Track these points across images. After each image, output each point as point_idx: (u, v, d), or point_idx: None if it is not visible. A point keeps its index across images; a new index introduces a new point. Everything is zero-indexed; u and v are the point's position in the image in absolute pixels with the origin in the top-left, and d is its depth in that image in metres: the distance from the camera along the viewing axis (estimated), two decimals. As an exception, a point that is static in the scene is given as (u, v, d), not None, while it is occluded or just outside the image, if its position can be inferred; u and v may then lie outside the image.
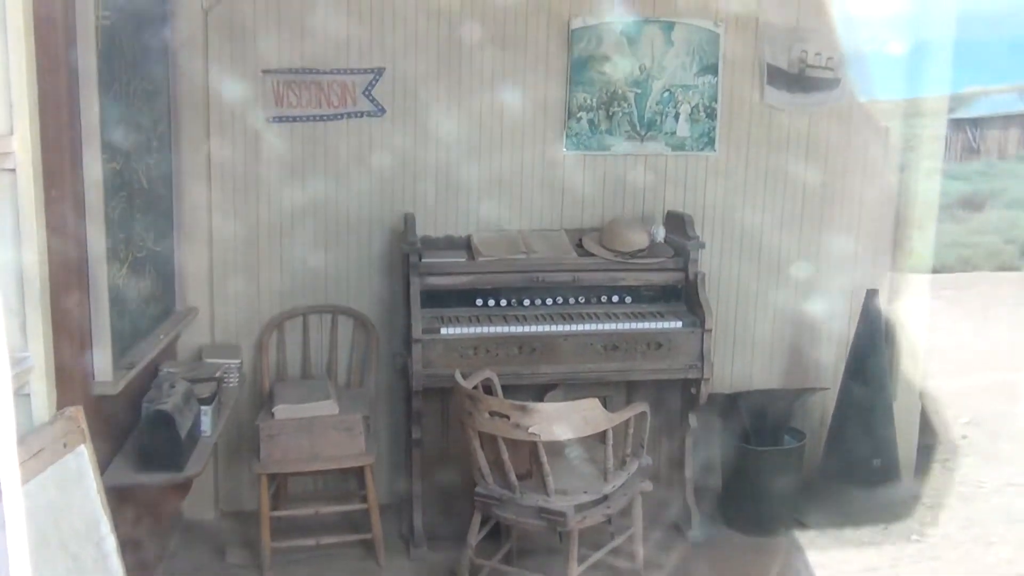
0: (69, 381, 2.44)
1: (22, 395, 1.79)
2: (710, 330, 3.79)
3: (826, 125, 4.34)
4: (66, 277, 2.51)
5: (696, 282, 3.88)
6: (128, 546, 2.26)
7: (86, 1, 2.67)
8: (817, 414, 4.39)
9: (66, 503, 1.80)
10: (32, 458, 1.67)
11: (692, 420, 3.97)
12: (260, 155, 3.99)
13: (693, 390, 3.87)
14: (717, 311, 4.10)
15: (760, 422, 4.08)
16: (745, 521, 4.06)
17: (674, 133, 4.24)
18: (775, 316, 4.43)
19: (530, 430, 3.00)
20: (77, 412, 1.91)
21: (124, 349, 3.03)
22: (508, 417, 3.03)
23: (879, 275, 4.41)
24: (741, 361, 4.42)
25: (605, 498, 3.22)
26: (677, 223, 4.04)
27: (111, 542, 2.01)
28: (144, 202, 3.33)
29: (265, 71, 3.93)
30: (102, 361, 2.80)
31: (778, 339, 4.45)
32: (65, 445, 1.83)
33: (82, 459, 1.91)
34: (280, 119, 3.97)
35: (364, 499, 3.67)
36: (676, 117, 4.24)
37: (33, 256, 1.78)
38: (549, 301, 3.90)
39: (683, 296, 3.97)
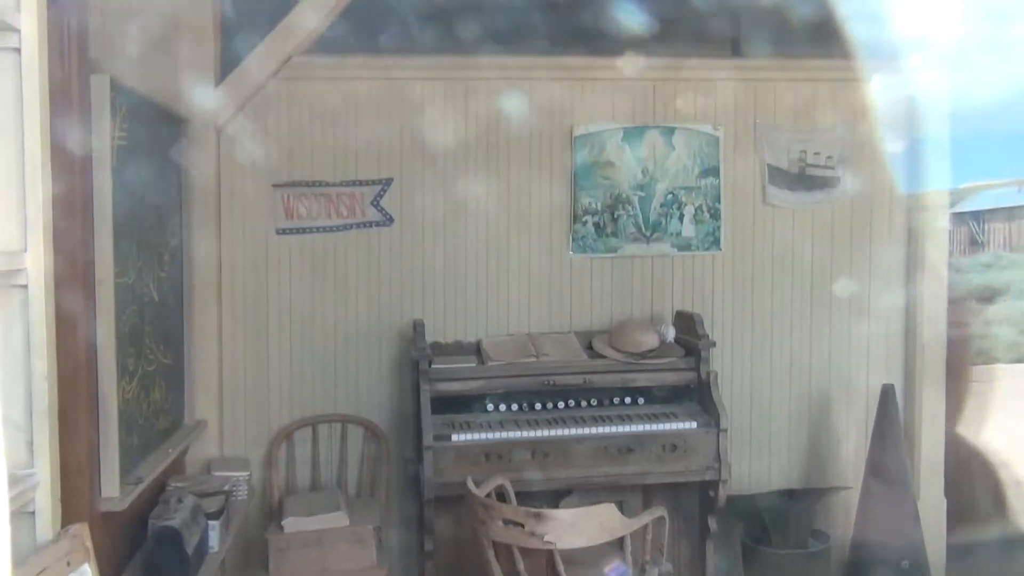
0: (75, 498, 2.40)
1: (26, 513, 1.76)
2: (726, 430, 3.73)
3: (829, 222, 4.38)
4: (75, 392, 2.50)
5: (709, 381, 3.84)
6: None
7: (103, 120, 2.76)
8: (841, 514, 4.27)
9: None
10: (34, 579, 1.62)
11: (712, 523, 3.86)
12: (270, 266, 4.03)
13: (711, 492, 3.79)
14: (732, 410, 4.05)
15: (783, 524, 3.97)
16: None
17: (679, 234, 4.29)
18: (791, 414, 4.37)
19: (545, 538, 2.92)
20: (82, 530, 1.87)
21: (132, 464, 2.99)
22: (523, 525, 2.96)
23: (894, 369, 4.37)
24: (759, 461, 4.33)
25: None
26: (687, 322, 4.04)
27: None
28: (155, 315, 3.35)
29: (275, 184, 4.01)
30: (109, 477, 2.76)
31: (796, 437, 4.37)
32: (69, 564, 1.79)
33: (86, 579, 1.87)
34: (290, 231, 4.04)
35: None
36: (681, 218, 4.29)
37: (42, 372, 1.78)
38: (561, 404, 3.86)
39: (696, 396, 3.92)
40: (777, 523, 3.96)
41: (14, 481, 1.70)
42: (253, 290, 4.03)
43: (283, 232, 4.04)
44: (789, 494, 4.10)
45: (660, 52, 4.24)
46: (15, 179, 1.74)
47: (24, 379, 1.75)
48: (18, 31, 1.68)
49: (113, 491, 2.76)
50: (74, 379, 2.51)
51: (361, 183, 4.08)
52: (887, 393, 4.10)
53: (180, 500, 3.09)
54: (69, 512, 2.02)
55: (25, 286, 1.75)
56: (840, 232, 4.39)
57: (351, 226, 4.08)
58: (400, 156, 4.10)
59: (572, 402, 3.87)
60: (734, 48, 5.18)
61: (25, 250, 1.75)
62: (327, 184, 4.05)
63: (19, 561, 1.63)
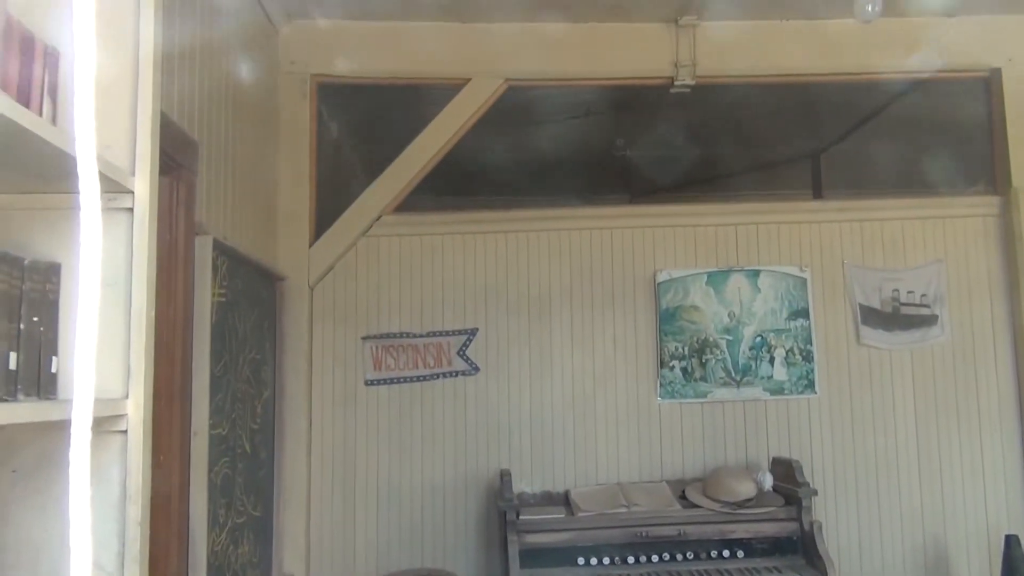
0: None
1: (113, 664, 1.74)
2: (834, 585, 3.48)
3: (931, 362, 4.22)
4: (166, 541, 2.52)
5: (813, 532, 3.62)
6: None
7: (205, 277, 2.91)
8: None
9: None
10: None
11: None
12: (358, 417, 4.08)
13: None
14: (839, 562, 3.79)
15: None
16: None
17: (771, 377, 4.18)
18: (906, 566, 4.06)
19: None
20: None
21: (218, 618, 2.96)
22: None
23: (1015, 517, 4.05)
24: None
25: None
26: (785, 469, 3.86)
27: None
28: (246, 467, 3.40)
29: (364, 337, 4.11)
30: (195, 629, 2.73)
31: (912, 594, 4.04)
32: None
33: None
34: (378, 382, 4.10)
35: None
36: (771, 361, 4.19)
37: (135, 518, 1.80)
38: (655, 558, 3.68)
39: (800, 548, 3.70)
40: None
41: (102, 629, 1.69)
42: (342, 441, 4.06)
43: (371, 383, 4.10)
44: (911, 659, 3.75)
45: (741, 197, 4.29)
46: (121, 329, 1.83)
47: (118, 524, 1.78)
48: (132, 192, 1.81)
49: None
50: (166, 528, 2.54)
51: (447, 333, 4.15)
52: (1011, 544, 3.79)
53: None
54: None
55: (124, 431, 1.80)
56: (943, 371, 4.21)
57: (438, 376, 4.12)
58: (485, 306, 4.17)
59: (667, 555, 3.69)
60: (815, 191, 5.21)
61: (126, 397, 1.81)
62: (414, 335, 4.13)
63: None
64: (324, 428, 4.05)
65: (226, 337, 3.17)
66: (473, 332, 4.15)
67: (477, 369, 4.13)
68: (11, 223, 1.79)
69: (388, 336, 4.12)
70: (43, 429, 1.79)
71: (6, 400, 1.42)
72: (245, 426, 3.41)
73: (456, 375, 4.13)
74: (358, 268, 4.16)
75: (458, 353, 4.14)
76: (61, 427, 1.73)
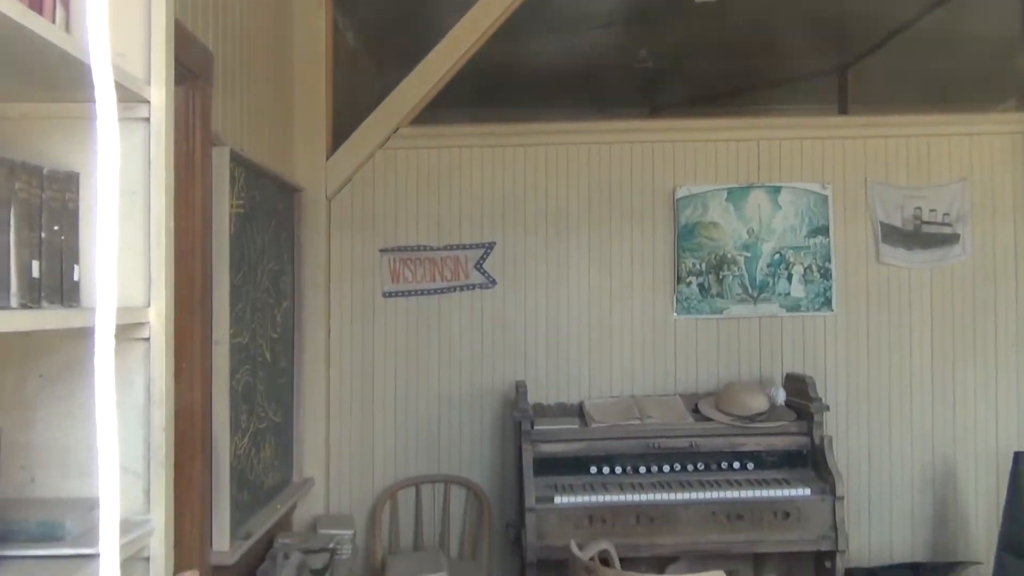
0: (187, 549, 2.47)
1: (141, 558, 1.82)
2: (842, 497, 3.55)
3: (950, 281, 4.20)
4: (190, 446, 2.59)
5: (823, 446, 3.68)
6: None
7: (223, 188, 2.92)
8: (972, 593, 3.98)
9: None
10: (146, 623, 1.67)
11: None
12: (376, 328, 4.13)
13: (828, 563, 3.59)
14: (848, 477, 3.86)
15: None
16: None
17: (788, 294, 4.18)
18: (914, 482, 4.13)
19: (650, 606, 2.82)
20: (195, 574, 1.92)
21: (241, 519, 3.07)
22: (627, 591, 2.87)
23: (1026, 436, 4.09)
24: (879, 532, 4.10)
25: None
26: (798, 385, 3.90)
27: None
28: (267, 375, 3.47)
29: (382, 250, 4.13)
30: (220, 530, 2.83)
31: (919, 507, 4.12)
32: (179, 612, 1.83)
33: (195, 628, 1.91)
34: (395, 294, 4.14)
35: None
36: (789, 278, 4.19)
37: (160, 423, 1.86)
38: (666, 468, 3.77)
39: (809, 461, 3.76)
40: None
41: (131, 526, 1.76)
42: (360, 352, 4.12)
43: (389, 295, 4.14)
44: (913, 568, 3.85)
45: (765, 111, 4.22)
46: (140, 239, 1.85)
47: (143, 429, 1.83)
48: (148, 102, 1.80)
49: (223, 545, 2.84)
50: (190, 433, 2.61)
51: (465, 247, 4.16)
52: (1020, 461, 3.83)
53: (287, 556, 3.14)
54: (181, 563, 2.07)
55: (147, 339, 1.84)
56: (962, 291, 4.19)
57: (455, 289, 4.15)
58: (503, 220, 4.17)
59: (678, 466, 3.77)
60: (841, 107, 5.11)
61: (148, 305, 1.85)
62: (431, 248, 4.15)
63: (133, 606, 1.68)
64: (342, 338, 4.11)
65: (244, 248, 3.20)
66: (490, 246, 4.16)
67: (494, 283, 4.15)
68: (29, 132, 1.79)
69: (405, 249, 4.14)
70: (67, 336, 1.83)
71: (30, 307, 1.45)
72: (265, 335, 3.47)
73: (473, 288, 4.16)
74: (375, 181, 4.15)
75: (475, 267, 4.16)
76: (85, 334, 1.78)
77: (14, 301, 1.48)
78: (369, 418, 4.11)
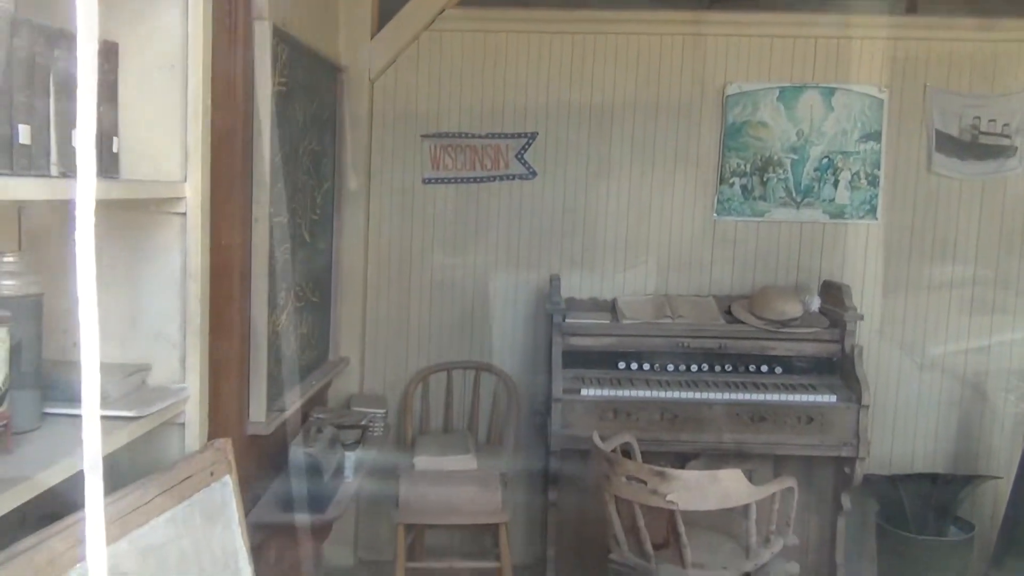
0: (223, 418, 2.58)
1: (177, 424, 1.90)
2: (867, 406, 3.57)
3: (1002, 195, 4.08)
4: (228, 319, 2.67)
5: (853, 355, 3.68)
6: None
7: (264, 68, 2.90)
8: (988, 505, 4.02)
9: (209, 530, 1.89)
10: (181, 483, 1.76)
11: (845, 501, 3.73)
12: (415, 215, 4.15)
13: (847, 469, 3.65)
14: (876, 387, 3.87)
15: (923, 509, 3.78)
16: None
17: (832, 200, 4.10)
18: (942, 397, 4.13)
19: (668, 498, 2.90)
20: (226, 443, 2.01)
21: (277, 392, 3.18)
22: (646, 483, 2.95)
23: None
24: (902, 442, 4.13)
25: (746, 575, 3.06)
26: (834, 293, 3.87)
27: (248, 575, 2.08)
28: (305, 255, 3.53)
29: (423, 136, 4.11)
30: (256, 402, 2.95)
31: (944, 421, 4.13)
32: (212, 474, 1.93)
33: (227, 489, 2.01)
34: (435, 180, 4.13)
35: (498, 557, 3.64)
36: (835, 184, 4.10)
37: (196, 294, 1.91)
38: (694, 368, 3.80)
39: (838, 369, 3.77)
40: (917, 507, 3.78)
41: (168, 393, 1.84)
42: (398, 236, 4.16)
43: (429, 182, 4.14)
44: (932, 479, 3.90)
45: (826, 7, 4.04)
46: (178, 113, 1.86)
47: (179, 300, 1.89)
48: (186, -27, 1.78)
49: (259, 416, 2.95)
50: (228, 307, 2.69)
51: (506, 136, 4.12)
52: (1053, 381, 3.81)
53: (320, 430, 3.27)
54: (217, 430, 2.17)
55: (183, 214, 1.87)
56: (1012, 205, 4.07)
57: (494, 178, 4.14)
58: (547, 110, 4.10)
59: (706, 366, 3.80)
60: (909, 5, 4.86)
61: (185, 180, 1.87)
62: (473, 136, 4.11)
63: (168, 466, 1.77)
64: (381, 222, 4.14)
65: (286, 127, 3.20)
66: (532, 136, 4.11)
67: (534, 174, 4.13)
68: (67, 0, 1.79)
69: (447, 135, 4.11)
70: (105, 207, 1.88)
71: (70, 176, 1.48)
72: (305, 216, 3.51)
73: (513, 178, 4.14)
74: (419, 63, 4.09)
75: (516, 156, 4.13)
76: (123, 206, 1.81)
77: (54, 170, 1.51)
78: (405, 302, 4.18)
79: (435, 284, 4.18)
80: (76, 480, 1.37)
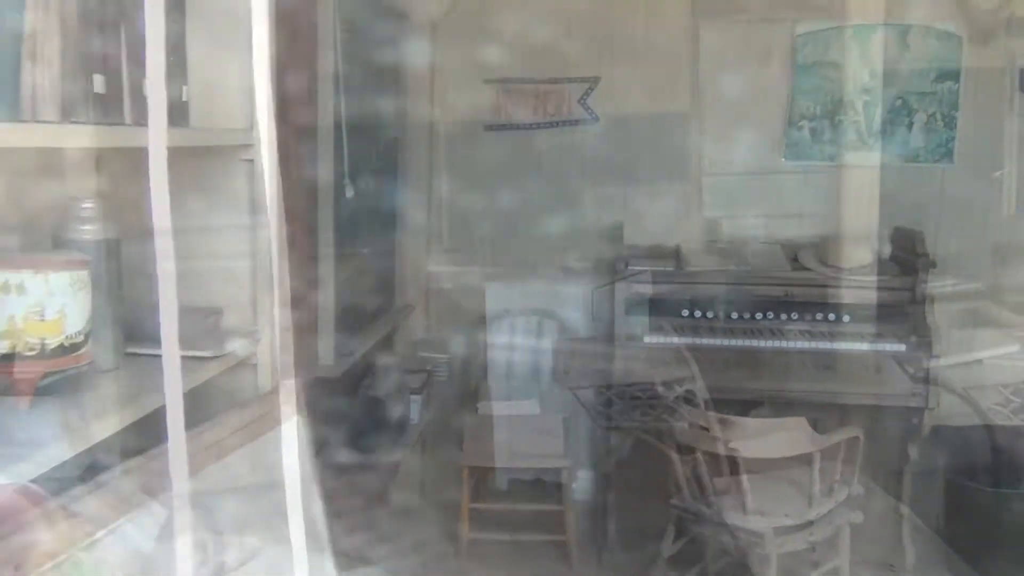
0: (294, 359, 2.65)
1: (249, 365, 1.97)
2: (938, 356, 3.49)
3: (1089, 136, 3.89)
4: (297, 265, 2.73)
5: (924, 304, 3.59)
6: (333, 522, 2.41)
7: (327, 16, 2.91)
8: (1064, 458, 3.92)
9: (279, 470, 1.96)
10: (252, 423, 1.83)
11: (912, 452, 3.67)
12: (477, 161, 4.15)
13: (914, 420, 3.58)
14: (947, 337, 3.77)
15: (994, 461, 3.70)
16: (968, 569, 3.70)
17: (907, 143, 3.97)
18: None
19: (731, 445, 2.90)
20: (296, 385, 2.07)
21: (345, 337, 3.25)
22: (708, 430, 2.95)
23: None
24: (973, 394, 4.03)
25: (809, 524, 3.05)
26: (906, 240, 3.77)
27: (319, 513, 2.16)
28: (372, 203, 3.57)
29: (486, 80, 4.09)
30: (325, 346, 3.02)
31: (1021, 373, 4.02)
32: (282, 415, 2.00)
33: (297, 431, 2.08)
34: (498, 127, 4.12)
35: (560, 500, 3.70)
36: (909, 126, 3.96)
37: (265, 240, 1.96)
38: (759, 315, 3.76)
39: (907, 318, 3.69)
40: (988, 459, 3.70)
41: (240, 335, 1.90)
42: (461, 184, 4.17)
43: (491, 128, 4.13)
44: (1004, 430, 3.80)
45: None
46: (245, 60, 1.88)
47: (250, 245, 1.94)
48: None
49: (328, 359, 3.03)
50: (295, 252, 2.75)
51: (569, 80, 4.07)
52: None
53: (387, 374, 3.34)
54: (287, 372, 2.24)
55: (251, 160, 1.92)
56: (1100, 148, 3.89)
57: (557, 124, 4.10)
58: (610, 55, 4.04)
59: (771, 314, 3.75)
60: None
61: (252, 127, 1.92)
62: (536, 81, 4.07)
63: (240, 406, 1.84)
64: (445, 169, 4.16)
65: (349, 74, 3.21)
66: (595, 81, 4.06)
67: (597, 119, 4.08)
68: (136, -50, 1.81)
69: (510, 81, 4.08)
70: (176, 154, 1.92)
71: (142, 124, 1.52)
72: (370, 163, 3.54)
73: (575, 123, 4.10)
74: (483, 8, 4.05)
75: (579, 102, 4.09)
76: (193, 153, 1.86)
77: (128, 118, 1.56)
78: (467, 249, 4.20)
79: (497, 231, 4.19)
80: (149, 419, 1.44)
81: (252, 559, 1.60)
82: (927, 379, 3.50)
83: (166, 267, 0.89)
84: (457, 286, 4.23)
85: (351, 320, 3.34)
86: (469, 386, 4.12)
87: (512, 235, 4.18)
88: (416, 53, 3.99)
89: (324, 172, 2.99)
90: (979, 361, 3.73)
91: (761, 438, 2.92)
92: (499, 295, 4.21)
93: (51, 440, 1.21)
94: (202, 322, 1.84)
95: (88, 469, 1.36)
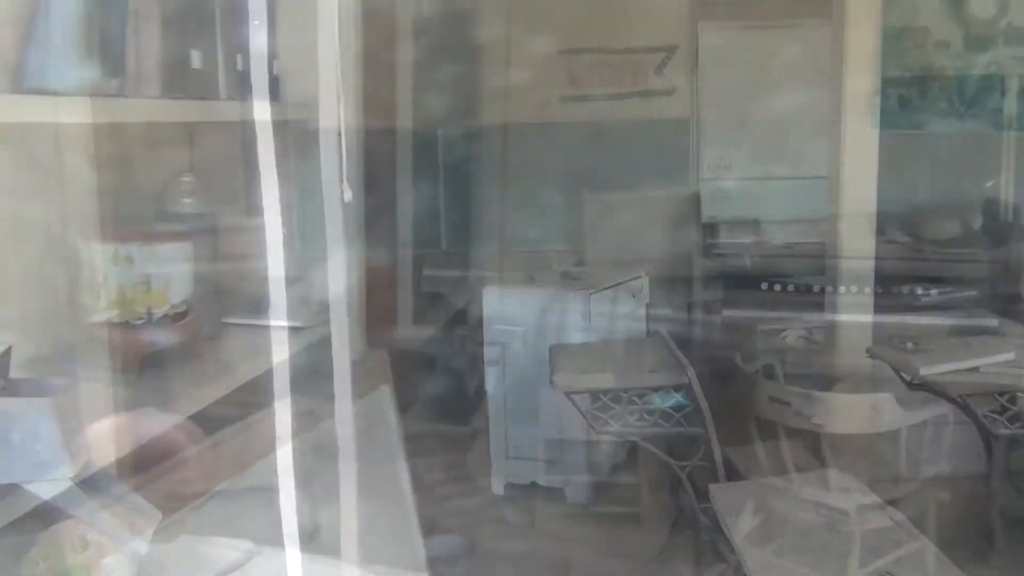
0: (379, 331, 2.70)
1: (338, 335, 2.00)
2: (1033, 330, 3.37)
3: None
4: (379, 237, 2.77)
5: (1019, 277, 3.46)
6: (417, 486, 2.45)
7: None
8: None
9: (371, 436, 2.00)
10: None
11: (1001, 430, 3.55)
12: (553, 132, 4.12)
13: (1005, 397, 3.46)
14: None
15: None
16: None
17: (1001, 110, 3.80)
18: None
19: (813, 420, 2.85)
20: (383, 355, 2.11)
21: (424, 309, 3.29)
22: (790, 404, 2.90)
23: None
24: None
25: (893, 502, 2.99)
26: (998, 210, 3.63)
27: (406, 479, 2.20)
28: (447, 174, 3.59)
29: (561, 51, 4.05)
30: (404, 318, 3.06)
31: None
32: (371, 384, 2.03)
33: (385, 399, 2.11)
34: (575, 98, 4.08)
35: (636, 472, 3.69)
36: (1003, 93, 3.79)
37: (351, 214, 1.99)
38: (842, 288, 3.66)
39: (1000, 290, 3.55)
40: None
41: (328, 306, 1.93)
42: (537, 156, 4.15)
43: (568, 100, 4.09)
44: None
45: None
46: (332, 34, 1.90)
47: (337, 219, 1.97)
48: None
49: (407, 332, 3.07)
50: (378, 226, 2.78)
51: (646, 50, 4.00)
52: None
53: (464, 346, 3.37)
54: (372, 343, 2.28)
55: (339, 133, 1.94)
56: None
57: (633, 95, 4.05)
58: (688, 23, 3.96)
59: (855, 287, 3.65)
60: None
61: (339, 100, 1.94)
62: (613, 51, 4.02)
63: (329, 376, 1.88)
64: (518, 142, 4.14)
65: (428, 54, 3.22)
66: (672, 50, 3.98)
67: (673, 89, 4.01)
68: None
69: (586, 51, 4.04)
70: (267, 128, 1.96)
71: (236, 99, 1.55)
72: (446, 135, 3.55)
73: (652, 94, 4.04)
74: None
75: (655, 71, 4.02)
76: (282, 127, 1.89)
77: (222, 93, 1.59)
78: (545, 220, 4.19)
79: (573, 201, 4.16)
80: (251, 385, 1.48)
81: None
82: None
83: (273, 238, 0.91)
84: (532, 255, 4.23)
85: (429, 292, 3.38)
86: (543, 355, 4.12)
87: (589, 204, 4.15)
88: (490, 28, 3.98)
89: (403, 144, 3.02)
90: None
91: (846, 413, 2.86)
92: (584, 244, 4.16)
93: (158, 407, 1.26)
94: (294, 293, 1.88)
95: (191, 435, 1.40)
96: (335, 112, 2.01)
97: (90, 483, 1.39)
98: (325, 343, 1.97)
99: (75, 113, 1.22)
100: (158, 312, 1.31)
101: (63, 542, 1.32)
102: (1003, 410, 2.76)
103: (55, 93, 1.16)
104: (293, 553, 1.02)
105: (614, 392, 2.75)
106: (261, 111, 0.93)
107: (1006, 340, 3.17)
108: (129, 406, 1.26)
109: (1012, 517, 3.73)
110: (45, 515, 1.40)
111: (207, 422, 1.33)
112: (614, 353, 3.72)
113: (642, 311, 3.80)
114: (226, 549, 1.57)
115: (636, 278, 3.72)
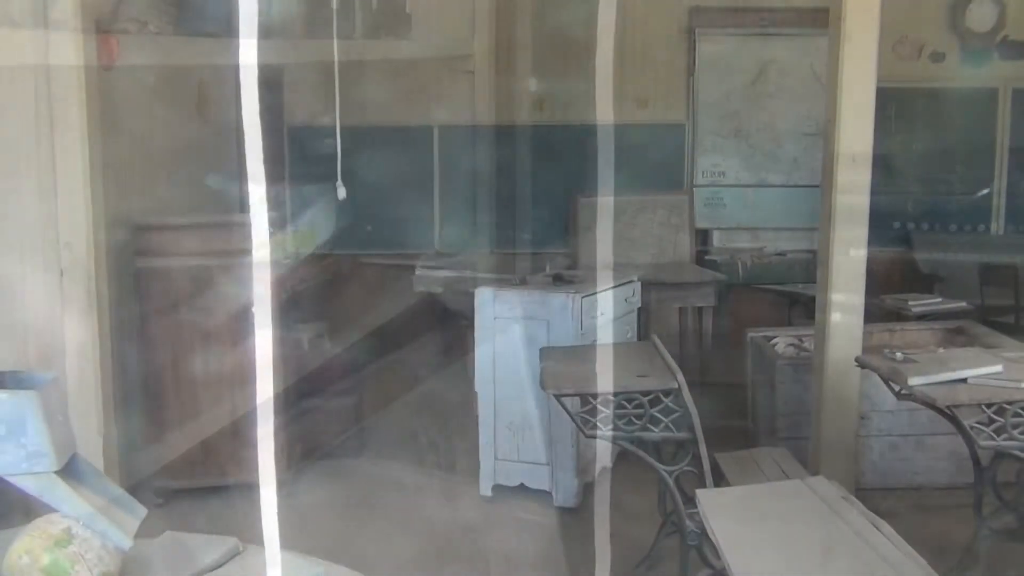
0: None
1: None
2: None
3: None
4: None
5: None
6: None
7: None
8: None
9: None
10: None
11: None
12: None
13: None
14: None
15: None
16: None
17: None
18: None
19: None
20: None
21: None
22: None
23: None
24: None
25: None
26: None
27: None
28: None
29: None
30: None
31: None
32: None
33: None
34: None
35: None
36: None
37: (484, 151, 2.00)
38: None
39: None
40: None
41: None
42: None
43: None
44: None
45: None
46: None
47: (470, 152, 1.99)
48: None
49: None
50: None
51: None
52: None
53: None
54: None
55: (472, 72, 1.97)
56: None
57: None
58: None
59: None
60: None
61: (472, 38, 1.96)
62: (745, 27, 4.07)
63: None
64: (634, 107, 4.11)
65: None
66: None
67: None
68: None
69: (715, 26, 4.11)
70: (401, 65, 1.96)
71: (371, 38, 1.54)
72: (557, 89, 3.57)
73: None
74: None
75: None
76: (415, 64, 1.89)
77: (358, 32, 1.59)
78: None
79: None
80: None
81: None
82: None
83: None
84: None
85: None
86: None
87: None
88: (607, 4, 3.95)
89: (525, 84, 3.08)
90: None
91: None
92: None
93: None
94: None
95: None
96: (475, 49, 1.99)
97: (75, 477, 1.39)
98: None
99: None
100: (305, 251, 1.31)
101: (47, 535, 1.31)
102: (990, 422, 2.73)
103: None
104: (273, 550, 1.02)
105: (603, 396, 2.72)
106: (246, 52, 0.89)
107: (994, 353, 3.15)
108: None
109: (997, 528, 3.73)
110: (29, 508, 1.39)
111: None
112: (604, 357, 3.71)
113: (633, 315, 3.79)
114: (210, 545, 1.57)
115: (629, 282, 3.71)
